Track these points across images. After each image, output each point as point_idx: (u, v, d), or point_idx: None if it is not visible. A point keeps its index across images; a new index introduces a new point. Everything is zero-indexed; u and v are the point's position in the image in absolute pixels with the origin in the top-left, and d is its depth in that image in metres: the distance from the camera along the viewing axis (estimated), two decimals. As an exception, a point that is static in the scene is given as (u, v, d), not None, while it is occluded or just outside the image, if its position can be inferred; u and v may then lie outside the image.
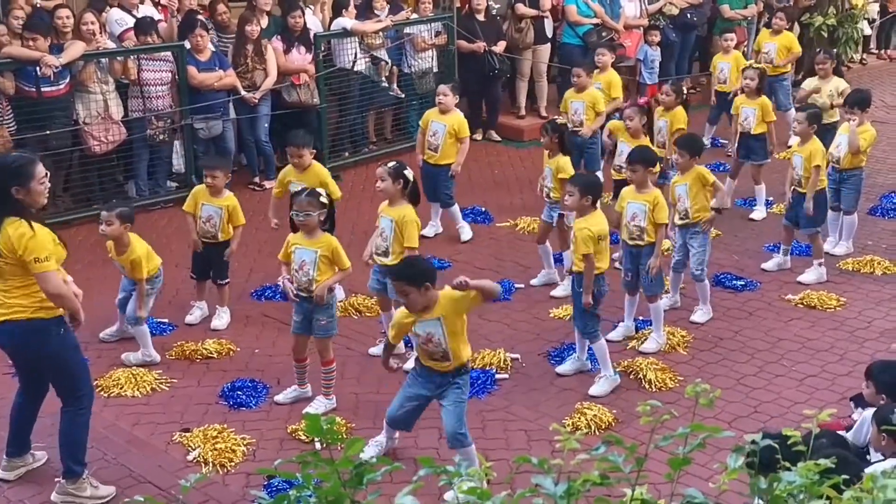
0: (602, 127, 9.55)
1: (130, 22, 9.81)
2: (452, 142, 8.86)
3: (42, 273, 4.84)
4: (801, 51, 11.78)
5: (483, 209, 9.77)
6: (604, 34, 12.53)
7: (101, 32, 9.38)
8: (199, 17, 10.11)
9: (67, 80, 9.03)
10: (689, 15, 13.58)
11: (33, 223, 4.86)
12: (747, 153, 9.78)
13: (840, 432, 5.23)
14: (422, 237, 7.51)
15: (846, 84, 10.15)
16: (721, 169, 11.02)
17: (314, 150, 7.86)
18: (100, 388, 6.37)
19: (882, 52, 17.47)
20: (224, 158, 8.91)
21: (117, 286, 7.08)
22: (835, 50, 13.81)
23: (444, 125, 8.85)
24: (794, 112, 11.48)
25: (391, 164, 6.77)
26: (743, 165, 9.88)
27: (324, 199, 6.08)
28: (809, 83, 10.32)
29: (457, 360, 5.27)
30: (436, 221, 9.18)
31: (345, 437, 4.84)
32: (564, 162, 7.85)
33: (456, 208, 9.14)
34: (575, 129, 9.49)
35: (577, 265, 6.45)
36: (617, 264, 7.52)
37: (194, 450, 5.70)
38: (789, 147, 11.48)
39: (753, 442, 1.85)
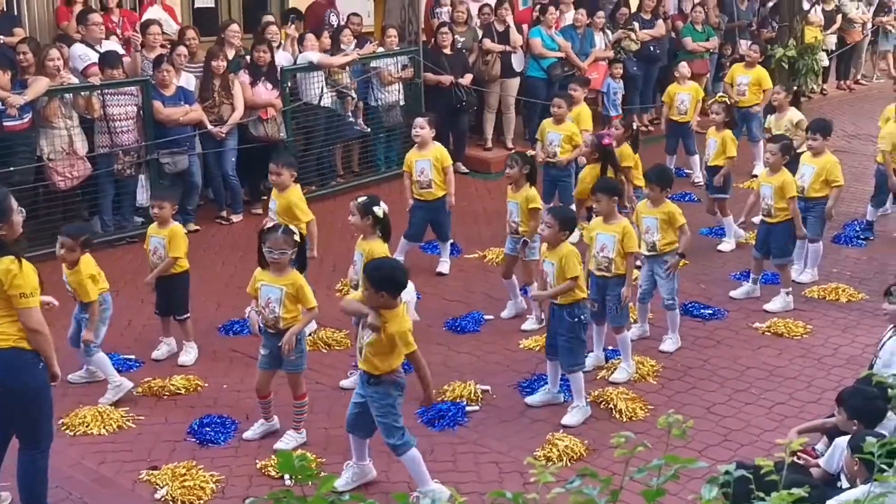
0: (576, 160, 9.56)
1: (94, 57, 9.77)
2: (440, 173, 8.84)
3: (26, 309, 4.84)
4: (772, 85, 11.93)
5: (452, 241, 9.78)
6: (566, 68, 12.66)
7: (63, 68, 9.33)
8: (173, 55, 10.08)
9: (30, 114, 8.96)
10: (651, 48, 13.76)
11: (21, 259, 4.84)
12: (713, 187, 9.85)
13: (810, 459, 5.26)
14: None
15: (801, 115, 10.32)
16: (687, 199, 11.14)
17: (294, 174, 7.83)
18: (65, 427, 6.28)
19: (842, 82, 17.76)
20: (172, 190, 8.75)
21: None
22: (795, 81, 14.05)
23: (430, 160, 8.80)
24: (763, 144, 11.68)
25: (361, 199, 6.75)
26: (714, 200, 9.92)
27: (296, 238, 6.07)
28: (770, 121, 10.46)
29: (368, 365, 5.33)
30: (400, 256, 9.16)
31: (317, 473, 4.79)
32: (533, 194, 7.88)
33: (449, 243, 9.19)
34: (550, 160, 9.54)
35: (569, 295, 6.38)
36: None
37: (162, 488, 5.61)
38: (754, 177, 11.68)
39: (727, 472, 1.85)
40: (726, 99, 10.78)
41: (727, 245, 9.69)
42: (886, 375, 4.38)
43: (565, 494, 1.87)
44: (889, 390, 2.59)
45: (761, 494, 1.83)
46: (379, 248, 6.52)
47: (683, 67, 11.93)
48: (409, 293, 5.57)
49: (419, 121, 9.05)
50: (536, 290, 6.90)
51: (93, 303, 6.60)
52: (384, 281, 5.24)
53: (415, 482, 5.48)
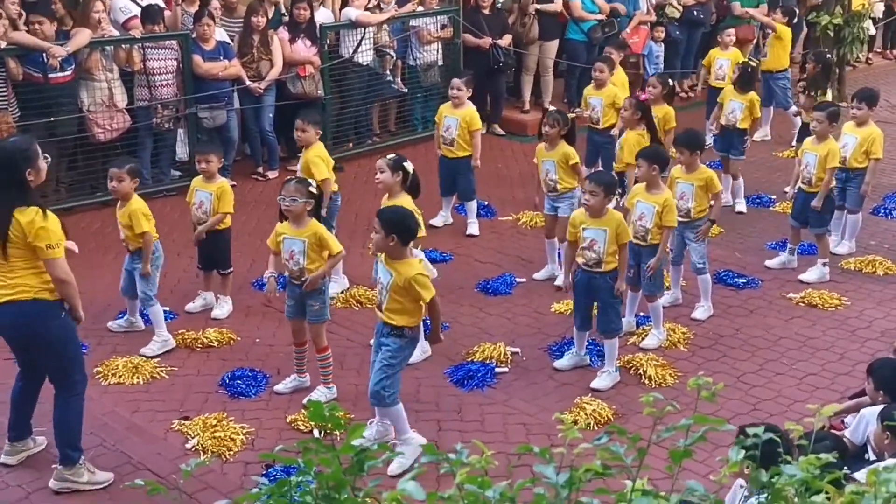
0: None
1: (135, 10, 9.80)
2: (465, 135, 8.87)
3: (52, 259, 4.89)
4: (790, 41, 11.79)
5: (486, 203, 9.76)
6: (606, 30, 12.51)
7: (105, 20, 9.38)
8: (210, 7, 10.09)
9: (73, 66, 9.03)
10: (695, 12, 13.56)
11: (46, 210, 4.89)
12: (727, 147, 9.75)
13: (837, 433, 5.24)
14: (430, 227, 7.51)
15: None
16: (721, 167, 11.01)
17: (319, 132, 7.85)
18: (99, 375, 6.38)
19: (888, 51, 17.44)
20: (217, 145, 8.77)
21: (117, 274, 7.06)
22: (840, 49, 13.81)
23: (457, 119, 8.87)
24: (794, 109, 11.52)
25: (390, 156, 6.81)
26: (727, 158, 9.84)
27: (312, 189, 6.09)
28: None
29: (389, 317, 5.39)
30: (446, 212, 9.19)
31: (346, 425, 4.84)
32: (570, 150, 7.86)
33: (475, 203, 9.18)
34: (594, 125, 9.48)
35: (613, 262, 6.38)
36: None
37: (193, 438, 5.70)
38: (792, 146, 11.53)
39: (756, 435, 1.84)
40: (749, 61, 10.63)
41: (741, 206, 9.67)
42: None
43: (590, 453, 1.87)
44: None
45: (788, 458, 1.83)
46: (408, 203, 6.53)
47: (728, 35, 11.75)
48: (429, 267, 5.70)
49: (457, 82, 9.05)
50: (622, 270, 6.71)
51: (146, 234, 6.62)
52: (395, 225, 5.32)
53: (396, 432, 5.60)
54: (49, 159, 5.27)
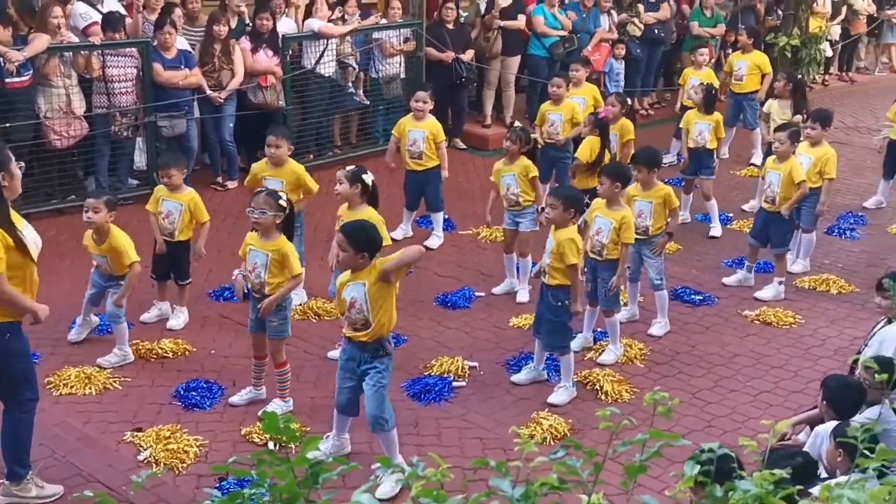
0: (576, 139, 9.48)
1: (95, 16, 9.70)
2: (431, 146, 8.90)
3: None
4: (771, 71, 11.92)
5: (446, 217, 9.75)
6: (567, 45, 12.59)
7: (64, 26, 9.27)
8: (172, 16, 10.00)
9: (31, 72, 8.91)
10: (656, 31, 13.69)
11: None
12: (697, 168, 9.83)
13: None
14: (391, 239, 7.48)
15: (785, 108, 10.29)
16: (681, 184, 11.12)
17: (291, 148, 7.82)
18: (51, 385, 6.29)
19: (844, 73, 17.73)
20: (179, 156, 8.64)
21: (74, 281, 6.98)
22: (798, 70, 14.00)
23: (423, 132, 8.87)
24: (758, 131, 11.66)
25: (349, 167, 6.79)
26: (693, 181, 9.91)
27: (283, 203, 6.05)
28: (780, 111, 10.39)
29: (376, 331, 5.31)
30: (406, 225, 9.19)
31: (301, 437, 4.81)
32: (529, 163, 7.90)
33: (441, 215, 9.21)
34: (550, 140, 9.52)
35: (556, 278, 6.39)
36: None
37: (146, 450, 5.63)
38: (751, 165, 11.67)
39: (710, 450, 1.85)
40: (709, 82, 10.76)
41: (716, 230, 9.68)
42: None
43: (548, 464, 1.87)
44: (875, 375, 2.59)
45: (743, 473, 1.84)
46: (374, 214, 6.52)
47: (701, 55, 11.84)
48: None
49: (421, 94, 9.06)
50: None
51: (134, 265, 6.55)
52: (363, 240, 5.28)
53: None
54: (24, 166, 5.13)
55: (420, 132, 8.87)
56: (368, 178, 6.64)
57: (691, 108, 11.58)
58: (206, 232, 7.26)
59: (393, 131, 9.23)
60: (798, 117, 9.86)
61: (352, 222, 5.71)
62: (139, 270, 6.62)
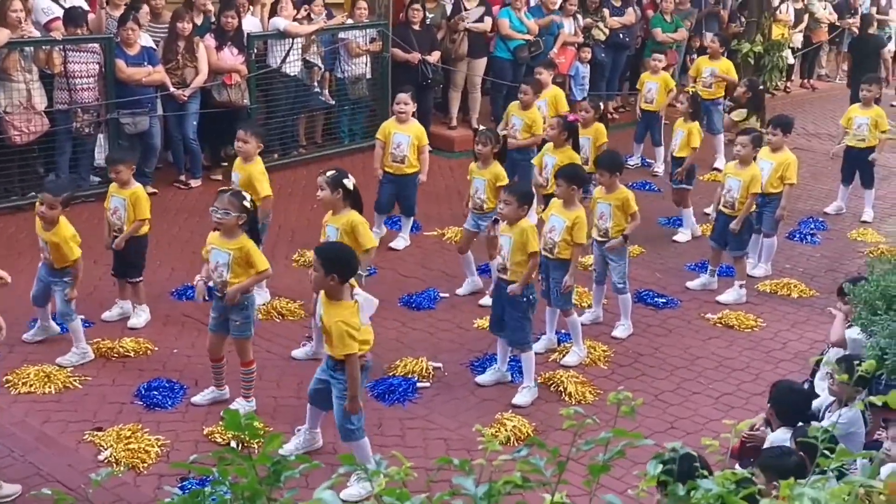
0: (539, 146, 9.50)
1: (57, 11, 9.59)
2: (415, 151, 8.85)
3: None
4: (737, 78, 12.04)
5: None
6: (532, 49, 12.63)
7: (25, 20, 9.16)
8: (136, 13, 9.90)
9: (-11, 66, 8.80)
10: (620, 35, 13.77)
11: None
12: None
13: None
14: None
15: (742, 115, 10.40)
16: (647, 188, 11.21)
17: (261, 145, 7.76)
18: (9, 384, 6.21)
19: (805, 80, 17.94)
20: (127, 152, 8.47)
21: (33, 278, 6.87)
22: (760, 77, 14.15)
23: (408, 136, 8.81)
24: (721, 137, 11.78)
25: (330, 172, 6.67)
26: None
27: (247, 203, 6.01)
28: (739, 114, 10.49)
29: (329, 351, 5.28)
30: (379, 228, 9.14)
31: (262, 435, 4.79)
32: (501, 171, 7.92)
33: (411, 220, 9.21)
34: (513, 139, 9.53)
35: (515, 272, 6.41)
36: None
37: (106, 449, 5.57)
38: (714, 169, 11.77)
39: (673, 450, 1.86)
40: (694, 89, 10.85)
41: (683, 236, 9.73)
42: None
43: (511, 463, 1.87)
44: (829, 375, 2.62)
45: (705, 472, 1.84)
46: (358, 219, 6.49)
47: (656, 59, 11.94)
48: (369, 301, 5.44)
49: (402, 96, 9.01)
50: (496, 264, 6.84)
51: (77, 261, 6.50)
52: (335, 263, 5.16)
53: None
54: None
55: (405, 136, 8.82)
56: (349, 181, 6.58)
57: (648, 112, 11.70)
58: (140, 228, 7.07)
59: (377, 135, 9.07)
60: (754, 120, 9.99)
61: (327, 244, 5.69)
62: (80, 266, 6.55)
